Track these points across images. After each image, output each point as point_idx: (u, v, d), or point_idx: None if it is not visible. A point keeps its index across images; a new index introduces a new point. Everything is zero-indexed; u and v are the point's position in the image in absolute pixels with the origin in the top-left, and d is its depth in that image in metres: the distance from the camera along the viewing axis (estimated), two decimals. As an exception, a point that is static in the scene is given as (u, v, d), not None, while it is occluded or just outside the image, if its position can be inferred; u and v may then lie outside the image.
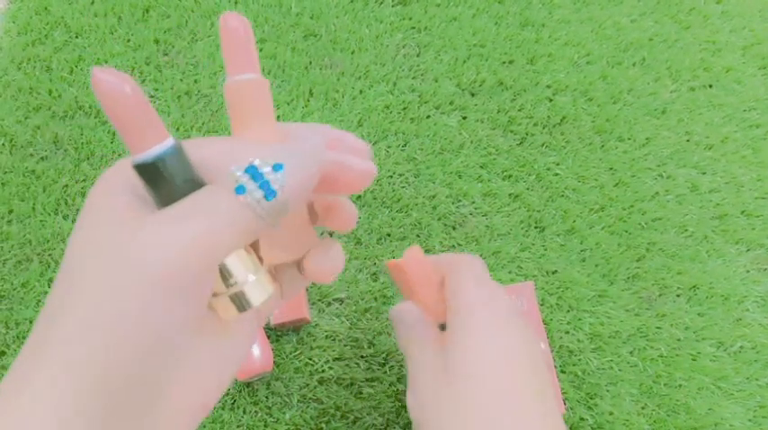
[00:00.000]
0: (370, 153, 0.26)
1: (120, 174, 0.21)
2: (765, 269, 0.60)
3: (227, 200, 0.20)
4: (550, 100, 0.67)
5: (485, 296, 0.34)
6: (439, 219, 0.60)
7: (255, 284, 0.22)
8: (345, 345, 0.54)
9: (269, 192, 0.20)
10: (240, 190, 0.20)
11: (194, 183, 0.20)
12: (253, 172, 0.20)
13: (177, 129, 0.62)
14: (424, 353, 0.34)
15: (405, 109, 0.65)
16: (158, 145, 0.19)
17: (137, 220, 0.19)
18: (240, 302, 0.22)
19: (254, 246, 0.24)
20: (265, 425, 0.51)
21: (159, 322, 0.19)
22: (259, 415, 0.51)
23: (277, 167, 0.20)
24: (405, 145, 0.63)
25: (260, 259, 0.24)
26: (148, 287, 0.18)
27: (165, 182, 0.20)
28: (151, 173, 0.20)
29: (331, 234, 0.58)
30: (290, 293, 0.28)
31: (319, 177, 0.22)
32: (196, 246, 0.19)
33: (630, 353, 0.55)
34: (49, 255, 0.56)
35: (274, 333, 0.54)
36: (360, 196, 0.60)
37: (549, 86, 0.67)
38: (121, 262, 0.18)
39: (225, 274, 0.22)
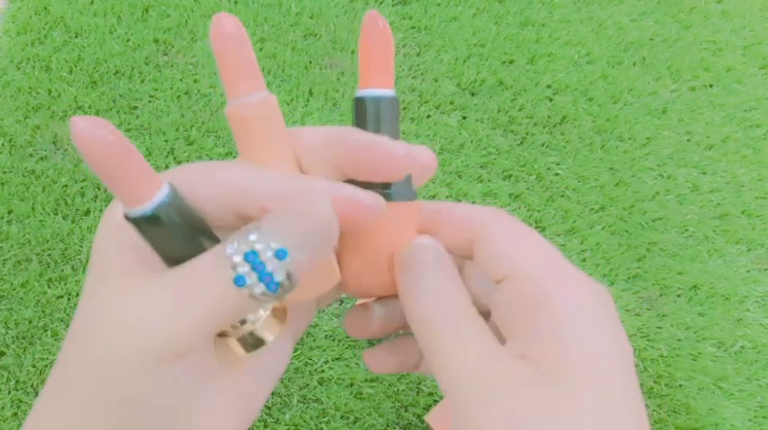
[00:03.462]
0: (409, 161, 0.21)
1: (121, 214, 0.19)
2: (766, 269, 0.59)
3: (226, 287, 0.18)
4: (551, 100, 0.67)
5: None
6: (439, 219, 0.60)
7: (265, 322, 0.21)
8: (345, 346, 0.54)
9: (272, 286, 0.18)
10: (240, 281, 0.18)
11: (197, 227, 0.19)
12: (253, 261, 0.18)
13: (177, 128, 0.62)
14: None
15: (405, 109, 0.65)
16: (152, 198, 0.18)
17: (134, 286, 0.18)
18: (249, 343, 0.22)
19: None
20: (265, 426, 0.51)
21: (160, 395, 0.18)
22: (259, 415, 0.51)
23: (280, 255, 0.18)
24: (405, 145, 0.63)
25: None
26: (147, 365, 0.18)
27: (163, 232, 0.18)
28: (147, 226, 0.18)
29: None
30: (325, 304, 0.26)
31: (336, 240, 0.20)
32: (193, 323, 0.18)
33: (631, 353, 0.55)
34: (49, 255, 0.56)
35: (274, 333, 0.54)
36: (360, 196, 0.60)
37: (549, 86, 0.67)
38: (115, 334, 0.18)
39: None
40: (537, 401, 0.19)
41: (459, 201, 0.61)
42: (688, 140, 0.66)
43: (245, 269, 0.18)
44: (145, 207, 0.18)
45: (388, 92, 0.22)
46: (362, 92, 0.21)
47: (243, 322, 0.21)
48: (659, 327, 0.56)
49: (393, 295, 0.23)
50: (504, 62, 0.68)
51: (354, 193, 0.20)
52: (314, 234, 0.19)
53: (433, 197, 0.61)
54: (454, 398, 0.20)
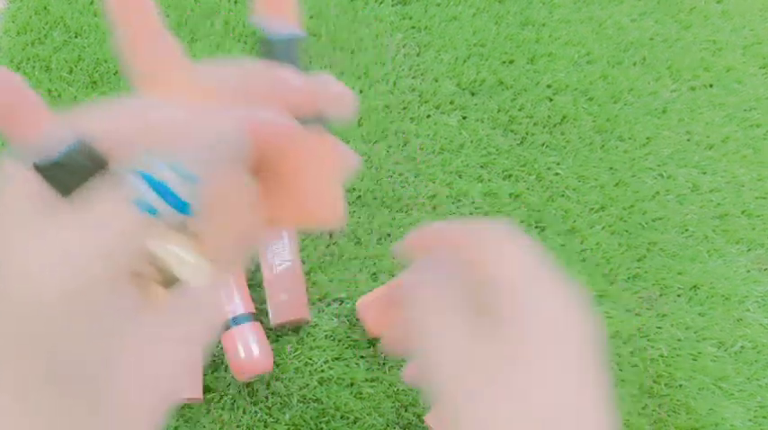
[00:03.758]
0: (311, 92, 0.21)
1: (14, 172, 0.18)
2: (766, 269, 0.59)
3: (130, 214, 0.17)
4: (551, 99, 0.67)
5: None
6: (439, 219, 0.60)
7: (191, 266, 0.21)
8: (345, 346, 0.54)
9: (178, 205, 0.17)
10: (141, 204, 0.17)
11: (101, 169, 0.18)
12: (151, 180, 0.17)
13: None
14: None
15: (405, 108, 0.65)
16: (55, 142, 0.17)
17: (36, 228, 0.17)
18: (166, 281, 0.21)
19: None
20: (265, 426, 0.51)
21: (75, 335, 0.18)
22: (259, 415, 0.51)
23: (181, 171, 0.17)
24: (405, 144, 0.63)
25: (193, 235, 0.22)
26: (55, 306, 0.17)
27: (67, 177, 0.17)
28: (50, 171, 0.17)
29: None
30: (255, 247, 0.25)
31: (245, 158, 0.19)
32: (100, 260, 0.17)
33: (631, 353, 0.55)
34: (49, 255, 0.56)
35: (274, 333, 0.54)
36: (360, 196, 0.60)
37: (549, 86, 0.67)
38: (18, 277, 0.17)
39: (154, 259, 0.20)
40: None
41: (460, 200, 0.61)
42: (688, 140, 0.66)
43: (144, 189, 0.17)
44: (46, 152, 0.17)
45: (293, 28, 0.21)
46: (266, 29, 0.21)
47: (158, 260, 0.20)
48: (659, 327, 0.56)
49: (319, 226, 0.23)
50: (505, 62, 0.68)
51: (270, 116, 0.19)
52: (213, 147, 0.17)
53: (434, 197, 0.61)
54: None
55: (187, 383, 0.50)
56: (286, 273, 0.53)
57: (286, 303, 0.52)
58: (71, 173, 0.17)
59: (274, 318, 0.52)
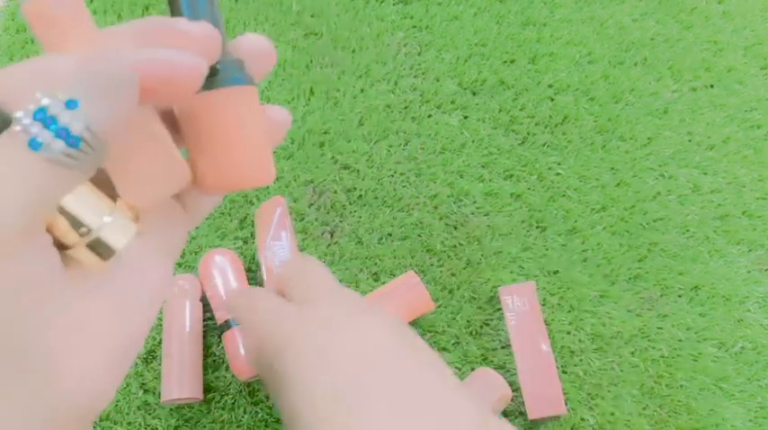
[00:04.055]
0: (210, 38, 0.20)
1: None
2: (766, 270, 0.59)
3: (25, 157, 0.16)
4: (552, 99, 0.67)
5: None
6: (440, 219, 0.60)
7: (112, 227, 0.20)
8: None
9: (71, 140, 0.16)
10: (34, 145, 0.16)
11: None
12: (42, 117, 0.16)
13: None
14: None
15: (406, 108, 0.65)
16: None
17: None
18: (100, 250, 0.20)
19: (104, 182, 0.20)
20: (266, 426, 0.51)
21: None
22: (259, 415, 0.51)
23: (70, 104, 0.16)
24: (406, 144, 0.63)
25: (113, 197, 0.21)
26: None
27: None
28: None
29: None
30: (199, 217, 0.24)
31: (138, 92, 0.18)
32: (10, 209, 0.16)
33: (632, 353, 0.55)
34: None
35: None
36: (361, 195, 0.60)
37: (550, 86, 0.67)
38: None
39: (73, 223, 0.19)
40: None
41: (461, 200, 0.61)
42: (689, 141, 0.65)
43: (36, 128, 0.16)
44: None
45: None
46: None
47: (85, 230, 0.19)
48: (660, 328, 0.56)
49: (247, 186, 0.23)
50: (506, 62, 0.68)
51: (165, 53, 0.18)
52: (106, 78, 0.17)
53: (435, 196, 0.60)
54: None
55: (187, 382, 0.50)
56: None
57: None
58: None
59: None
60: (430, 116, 0.65)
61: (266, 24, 0.68)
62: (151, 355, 0.52)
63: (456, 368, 0.54)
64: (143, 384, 0.51)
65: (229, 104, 0.22)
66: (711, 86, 0.69)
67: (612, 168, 0.63)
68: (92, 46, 0.19)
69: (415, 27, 0.70)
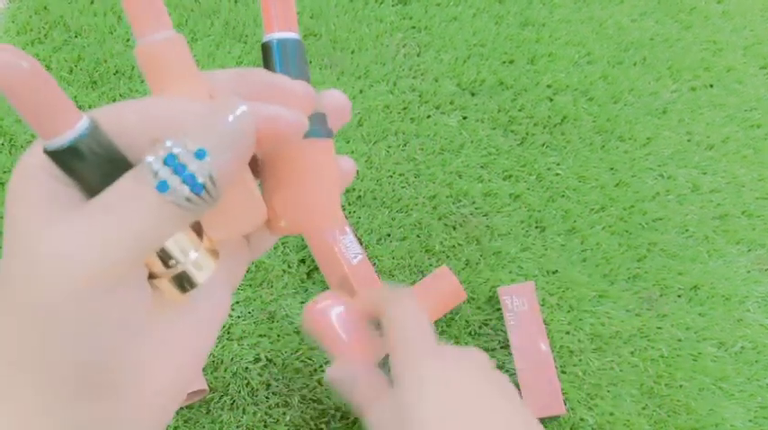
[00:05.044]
0: (309, 96, 0.22)
1: (38, 157, 0.18)
2: (766, 269, 0.59)
3: (150, 197, 0.17)
4: (551, 100, 0.67)
5: (432, 349, 0.35)
6: (439, 219, 0.60)
7: (197, 262, 0.21)
8: (345, 346, 0.54)
9: (195, 187, 0.18)
10: (163, 187, 0.17)
11: (117, 162, 0.19)
12: (173, 164, 0.17)
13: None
14: (381, 409, 0.35)
15: (405, 109, 0.65)
16: (71, 128, 0.17)
17: (52, 217, 0.17)
18: (182, 283, 0.21)
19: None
20: (265, 426, 0.51)
21: (89, 323, 0.18)
22: (259, 415, 0.51)
23: (200, 155, 0.17)
24: (405, 145, 0.63)
25: (199, 232, 0.22)
26: (68, 292, 0.17)
27: (83, 166, 0.18)
28: (66, 159, 0.18)
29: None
30: (260, 252, 0.26)
31: (255, 144, 0.19)
32: (119, 246, 0.17)
33: (631, 353, 0.55)
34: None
35: (275, 333, 0.54)
36: (360, 196, 0.60)
37: (549, 86, 0.67)
38: (34, 267, 0.17)
39: (162, 256, 0.20)
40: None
41: (460, 201, 0.61)
42: (688, 140, 0.65)
43: (166, 173, 0.17)
44: (64, 138, 0.17)
45: (291, 35, 0.23)
46: (267, 36, 0.23)
47: (174, 262, 0.20)
48: (659, 328, 0.56)
49: (316, 229, 0.25)
50: (505, 62, 0.68)
51: (275, 109, 0.20)
52: (231, 132, 0.18)
53: (434, 197, 0.60)
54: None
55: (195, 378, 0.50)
56: (361, 264, 0.54)
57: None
58: (83, 159, 0.18)
59: None
60: (429, 117, 0.65)
61: (265, 25, 0.68)
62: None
63: (455, 368, 0.54)
64: (143, 385, 0.51)
65: (311, 154, 0.23)
66: (711, 86, 0.69)
67: (612, 168, 0.63)
68: (198, 89, 0.21)
69: (414, 28, 0.70)
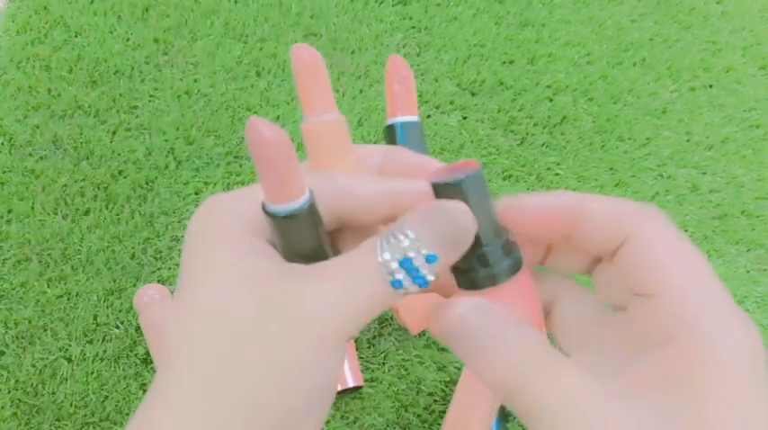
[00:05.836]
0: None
1: (248, 206, 0.21)
2: (765, 269, 0.60)
3: (382, 289, 0.20)
4: (551, 100, 0.67)
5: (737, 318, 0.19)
6: (439, 219, 0.60)
7: None
8: (345, 345, 0.54)
9: (422, 283, 0.20)
10: (397, 284, 0.20)
11: (317, 229, 0.21)
12: (408, 268, 0.20)
13: (177, 128, 0.62)
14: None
15: (405, 108, 0.65)
16: (296, 200, 0.20)
17: (294, 276, 0.20)
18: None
19: None
20: (265, 426, 0.51)
21: (319, 379, 0.20)
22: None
23: (431, 259, 0.20)
24: (405, 145, 0.63)
25: None
26: (316, 342, 0.19)
27: (296, 231, 0.20)
28: (279, 222, 0.20)
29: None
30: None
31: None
32: (358, 317, 0.20)
33: (631, 353, 0.55)
34: (48, 254, 0.56)
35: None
36: (360, 196, 0.60)
37: (549, 86, 0.67)
38: (294, 317, 0.19)
39: None
40: None
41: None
42: (688, 141, 0.66)
43: (401, 275, 0.20)
44: (287, 207, 0.20)
45: (414, 118, 0.27)
46: (392, 120, 0.27)
47: None
48: (659, 328, 0.56)
49: None
50: (505, 62, 0.68)
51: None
52: (459, 240, 0.21)
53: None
54: None
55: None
56: None
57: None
58: (299, 226, 0.20)
59: None
60: (429, 116, 0.65)
61: (266, 25, 0.69)
62: (150, 356, 0.52)
63: (456, 368, 0.54)
64: (143, 384, 0.51)
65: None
66: (710, 86, 0.69)
67: (611, 168, 0.64)
68: (353, 167, 0.24)
69: (414, 28, 0.70)
